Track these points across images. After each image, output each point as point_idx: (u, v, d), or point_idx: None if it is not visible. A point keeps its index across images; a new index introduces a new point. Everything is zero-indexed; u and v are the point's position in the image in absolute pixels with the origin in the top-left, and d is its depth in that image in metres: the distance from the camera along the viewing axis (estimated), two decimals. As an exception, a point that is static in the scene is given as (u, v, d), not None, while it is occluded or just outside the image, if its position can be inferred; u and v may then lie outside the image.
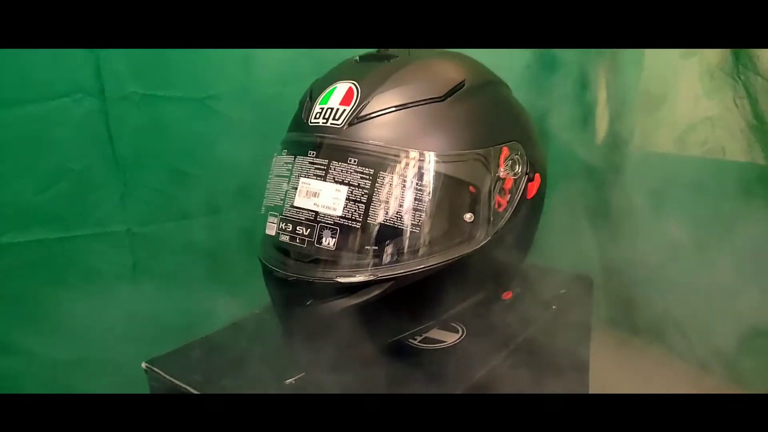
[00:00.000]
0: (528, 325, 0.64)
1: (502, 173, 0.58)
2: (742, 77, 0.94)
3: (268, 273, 0.59)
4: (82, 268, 0.88)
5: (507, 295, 0.65)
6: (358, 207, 0.54)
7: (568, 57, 1.16)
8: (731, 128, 0.98)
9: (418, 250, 0.55)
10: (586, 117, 1.19)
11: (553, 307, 0.68)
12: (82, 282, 0.88)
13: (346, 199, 0.54)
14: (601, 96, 1.17)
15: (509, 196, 0.59)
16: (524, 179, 0.61)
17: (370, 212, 0.54)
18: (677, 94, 1.05)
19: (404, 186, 0.54)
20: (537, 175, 0.62)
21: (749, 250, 0.98)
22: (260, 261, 0.61)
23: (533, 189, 0.62)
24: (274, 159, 0.61)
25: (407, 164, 0.54)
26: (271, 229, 0.59)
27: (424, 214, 0.54)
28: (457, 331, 0.65)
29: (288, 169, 0.58)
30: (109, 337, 0.89)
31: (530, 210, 0.63)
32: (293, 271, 0.56)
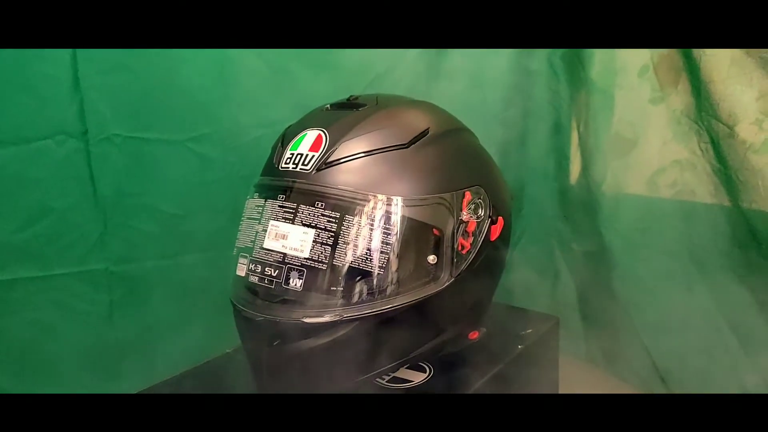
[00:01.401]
0: (494, 364, 0.66)
1: (465, 216, 0.60)
2: (705, 123, 0.97)
3: (237, 313, 0.61)
4: (58, 307, 0.89)
5: (473, 335, 0.67)
6: (325, 249, 0.56)
7: (542, 103, 1.20)
8: (698, 172, 1.01)
9: (383, 291, 0.57)
10: (560, 159, 1.22)
11: (520, 346, 0.70)
12: (57, 320, 0.88)
13: (313, 241, 0.56)
14: (574, 139, 1.20)
15: (472, 238, 0.61)
16: (487, 222, 0.63)
17: (337, 254, 0.56)
18: (647, 138, 1.08)
19: (369, 229, 0.56)
20: (500, 218, 0.65)
21: (721, 289, 1.01)
22: (231, 301, 0.62)
23: (496, 231, 0.64)
24: (246, 202, 0.63)
25: (373, 208, 0.57)
26: (241, 270, 0.61)
27: (389, 256, 0.56)
28: (425, 371, 0.66)
29: (259, 212, 0.61)
30: (84, 375, 0.89)
31: (494, 252, 0.65)
32: (261, 311, 0.58)
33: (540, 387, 0.75)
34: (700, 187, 1.01)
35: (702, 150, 1.00)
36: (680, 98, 1.02)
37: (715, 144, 0.96)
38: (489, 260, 0.64)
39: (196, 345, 0.83)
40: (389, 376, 0.65)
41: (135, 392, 0.65)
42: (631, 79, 1.08)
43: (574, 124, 1.19)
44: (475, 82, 1.12)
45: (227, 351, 0.74)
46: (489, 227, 0.63)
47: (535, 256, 1.24)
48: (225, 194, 0.95)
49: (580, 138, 1.18)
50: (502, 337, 0.71)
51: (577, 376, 0.86)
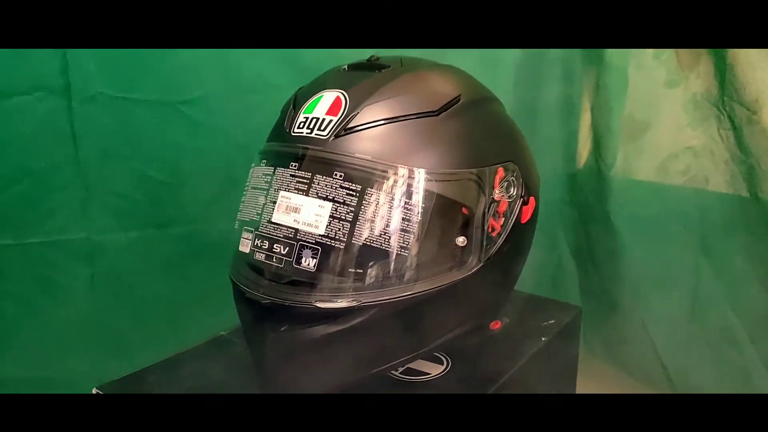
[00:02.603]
0: (517, 358, 0.61)
1: (497, 195, 0.54)
2: (726, 108, 0.94)
3: (239, 294, 0.54)
4: (35, 278, 0.83)
5: (495, 325, 0.61)
6: (343, 226, 0.50)
7: (554, 81, 1.15)
8: (715, 159, 0.98)
9: (404, 275, 0.51)
10: (569, 140, 1.17)
11: (543, 338, 0.64)
12: (34, 293, 0.83)
13: (330, 216, 0.50)
14: (585, 120, 1.16)
15: (503, 219, 0.55)
16: (519, 202, 0.57)
17: (356, 232, 0.50)
18: (661, 122, 1.05)
19: (392, 205, 0.50)
20: (532, 199, 0.59)
21: (730, 280, 0.98)
22: (231, 280, 0.56)
23: (528, 213, 0.58)
24: (251, 170, 0.57)
25: (396, 181, 0.50)
26: (245, 246, 0.54)
27: (413, 236, 0.50)
28: (442, 363, 0.61)
29: (267, 182, 0.54)
30: (63, 353, 0.83)
31: (523, 235, 0.59)
32: (267, 293, 0.51)
33: (562, 382, 0.70)
34: (716, 175, 0.98)
35: (722, 136, 0.97)
36: (701, 81, 0.98)
37: (737, 130, 0.93)
38: (517, 244, 0.58)
39: (185, 325, 0.78)
40: (404, 367, 0.59)
41: (117, 378, 0.58)
42: (647, 61, 1.03)
43: (586, 105, 1.14)
44: (485, 59, 1.06)
45: (222, 333, 0.68)
46: (521, 208, 0.57)
47: (537, 240, 1.20)
48: (218, 162, 0.90)
49: (592, 119, 1.13)
50: (523, 328, 0.66)
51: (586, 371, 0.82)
